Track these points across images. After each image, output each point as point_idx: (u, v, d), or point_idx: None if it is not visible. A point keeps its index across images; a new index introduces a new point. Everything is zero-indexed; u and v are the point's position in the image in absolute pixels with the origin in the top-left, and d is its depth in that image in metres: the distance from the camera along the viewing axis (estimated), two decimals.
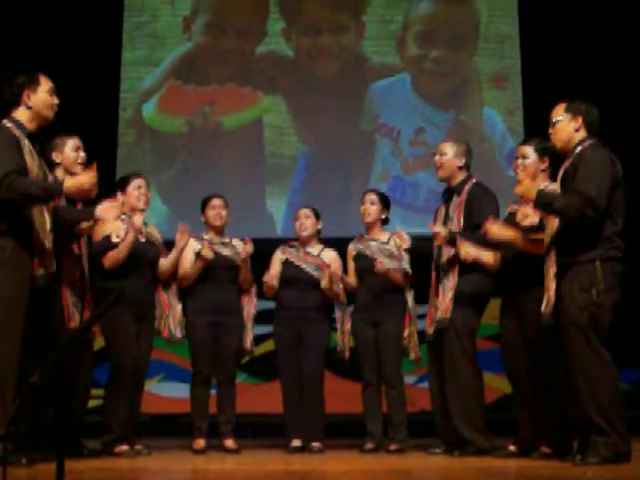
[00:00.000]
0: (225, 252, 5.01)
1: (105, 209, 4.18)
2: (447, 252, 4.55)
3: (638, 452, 3.75)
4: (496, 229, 4.24)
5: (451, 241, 4.48)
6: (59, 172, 4.37)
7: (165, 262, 4.82)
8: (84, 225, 4.36)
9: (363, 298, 5.02)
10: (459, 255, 4.41)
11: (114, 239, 4.49)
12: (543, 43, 7.14)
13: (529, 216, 3.98)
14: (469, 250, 4.36)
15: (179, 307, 4.87)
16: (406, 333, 4.92)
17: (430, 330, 4.60)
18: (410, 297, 4.96)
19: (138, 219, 4.61)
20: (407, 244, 4.81)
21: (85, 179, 3.98)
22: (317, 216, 5.19)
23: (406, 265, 4.92)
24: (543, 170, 4.28)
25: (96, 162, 4.03)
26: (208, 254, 4.88)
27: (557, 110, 4.02)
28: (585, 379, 3.69)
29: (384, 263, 4.85)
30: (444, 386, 4.51)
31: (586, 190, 3.71)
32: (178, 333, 4.84)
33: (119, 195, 4.50)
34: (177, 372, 6.50)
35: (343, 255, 5.18)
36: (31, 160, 3.87)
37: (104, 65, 7.32)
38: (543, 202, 3.84)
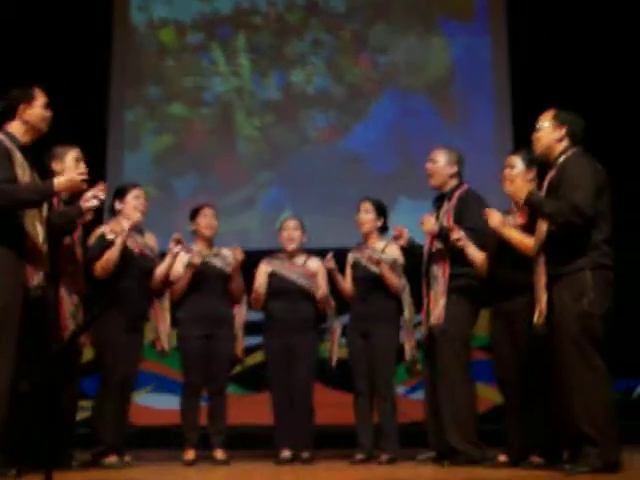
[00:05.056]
0: (215, 262, 5.00)
1: (88, 201, 4.11)
2: (435, 246, 4.55)
3: (628, 462, 3.76)
4: (497, 217, 4.23)
5: (441, 235, 4.49)
6: None
7: (157, 270, 4.81)
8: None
9: (356, 307, 5.03)
10: (450, 242, 4.40)
11: (109, 236, 4.48)
12: (532, 55, 7.15)
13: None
14: (461, 235, 4.37)
15: (168, 319, 4.86)
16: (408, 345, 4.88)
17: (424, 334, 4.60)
18: (407, 302, 4.90)
19: (125, 222, 4.58)
20: (404, 239, 4.73)
21: (75, 172, 4.00)
22: (303, 228, 5.19)
23: (397, 257, 4.92)
24: (530, 180, 4.29)
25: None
26: (196, 260, 4.87)
27: (545, 116, 4.04)
28: (578, 391, 3.68)
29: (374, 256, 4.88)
30: (437, 394, 4.50)
31: (572, 198, 3.73)
32: (166, 345, 4.84)
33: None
34: (167, 383, 6.47)
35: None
36: (22, 172, 3.85)
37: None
38: (533, 203, 3.88)
